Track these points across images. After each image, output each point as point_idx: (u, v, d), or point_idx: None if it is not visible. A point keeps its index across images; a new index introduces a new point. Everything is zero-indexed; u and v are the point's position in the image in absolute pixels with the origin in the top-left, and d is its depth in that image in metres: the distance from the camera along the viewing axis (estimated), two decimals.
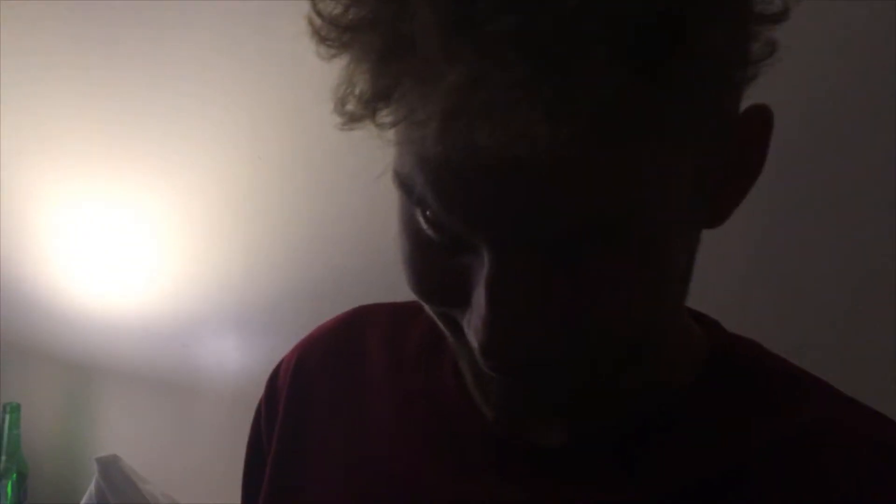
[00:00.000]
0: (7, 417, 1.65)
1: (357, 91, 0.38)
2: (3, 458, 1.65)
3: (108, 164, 1.71)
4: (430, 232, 0.41)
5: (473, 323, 0.39)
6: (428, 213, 0.40)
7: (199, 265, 1.67)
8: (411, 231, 0.42)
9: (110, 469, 1.44)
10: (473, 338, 0.40)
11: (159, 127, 1.66)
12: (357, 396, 0.56)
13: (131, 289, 1.72)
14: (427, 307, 0.45)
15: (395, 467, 0.52)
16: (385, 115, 0.37)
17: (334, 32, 0.38)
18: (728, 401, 0.47)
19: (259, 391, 0.63)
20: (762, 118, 0.42)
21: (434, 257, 0.41)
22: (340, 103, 0.39)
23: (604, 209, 0.36)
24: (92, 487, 1.48)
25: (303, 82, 1.60)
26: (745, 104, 0.43)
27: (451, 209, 0.38)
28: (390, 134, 0.39)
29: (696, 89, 0.36)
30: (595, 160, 0.35)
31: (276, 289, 1.61)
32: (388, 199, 1.48)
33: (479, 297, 0.39)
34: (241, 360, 1.65)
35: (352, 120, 0.39)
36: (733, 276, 1.16)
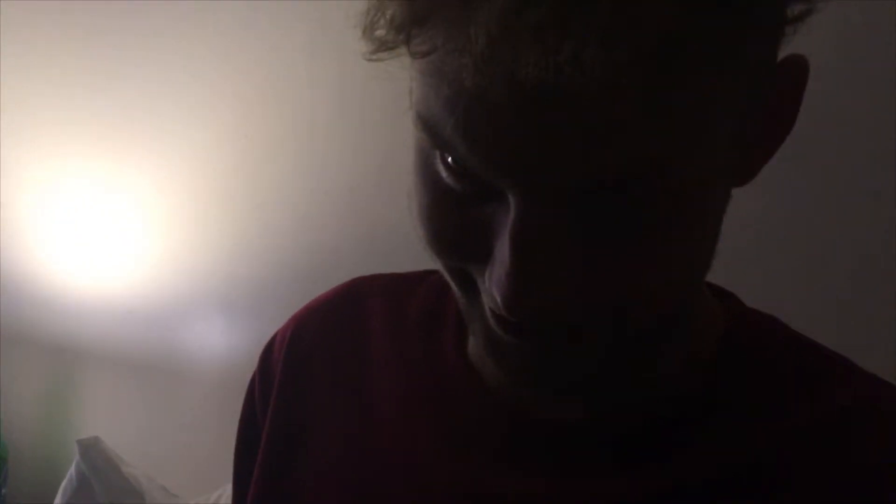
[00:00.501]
0: None
1: (389, 14, 0.34)
2: None
3: (91, 143, 1.69)
4: (450, 181, 0.38)
5: (496, 274, 0.36)
6: (450, 159, 0.37)
7: (184, 246, 1.66)
8: (429, 181, 0.39)
9: (91, 451, 1.43)
10: (495, 290, 0.36)
11: (143, 106, 1.64)
12: (357, 371, 0.54)
13: (115, 270, 1.70)
14: (440, 264, 0.42)
15: (396, 446, 0.50)
16: (419, 43, 0.34)
17: None
18: (757, 379, 0.45)
19: (245, 373, 0.61)
20: (800, 68, 0.40)
21: (453, 208, 0.38)
22: (370, 28, 0.35)
23: (652, 149, 0.33)
24: (72, 470, 1.46)
25: (290, 59, 1.59)
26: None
27: (481, 150, 0.35)
28: (412, 70, 0.37)
29: (752, 23, 0.34)
30: (650, 92, 0.32)
31: (263, 270, 1.60)
32: (378, 177, 1.46)
33: (503, 247, 0.36)
34: (226, 343, 1.64)
35: (382, 47, 0.35)
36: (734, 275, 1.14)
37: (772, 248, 1.19)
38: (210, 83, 1.60)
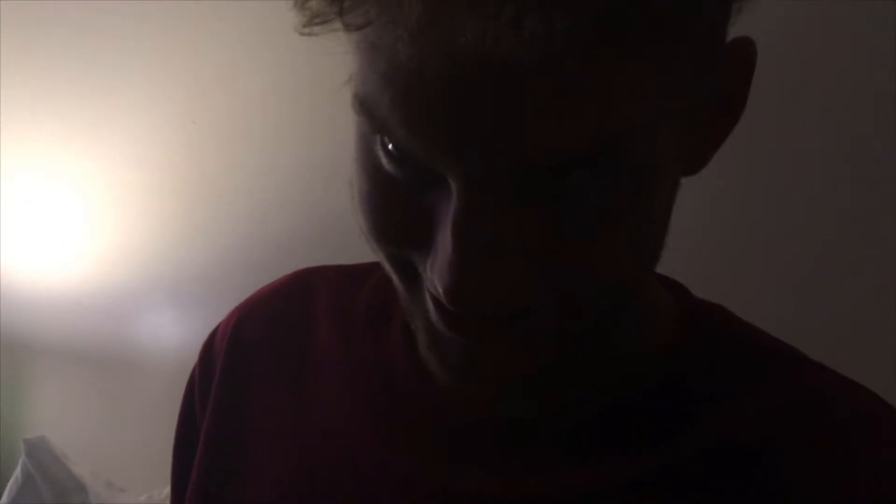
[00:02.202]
0: None
1: None
2: None
3: (32, 129, 1.64)
4: (390, 167, 0.37)
5: (438, 263, 0.35)
6: (390, 145, 0.36)
7: (133, 235, 1.63)
8: (370, 168, 0.38)
9: (37, 450, 1.40)
10: (437, 280, 0.35)
11: (88, 91, 1.60)
12: (302, 367, 0.52)
13: (61, 260, 1.66)
14: (381, 254, 0.40)
15: (341, 446, 0.49)
16: (354, 16, 0.33)
17: None
18: (711, 368, 0.44)
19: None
20: (747, 52, 0.39)
21: (394, 196, 0.37)
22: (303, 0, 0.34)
23: (597, 126, 0.32)
24: (18, 470, 1.44)
25: (238, 42, 1.56)
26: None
27: (419, 131, 0.33)
28: (351, 48, 0.35)
29: None
30: (592, 62, 0.31)
31: (214, 259, 1.58)
32: (330, 165, 1.44)
33: (445, 234, 0.34)
34: (178, 334, 1.62)
35: (314, 20, 0.33)
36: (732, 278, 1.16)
37: (765, 247, 1.20)
38: (156, 67, 1.56)
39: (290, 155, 1.51)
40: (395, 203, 0.37)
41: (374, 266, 0.53)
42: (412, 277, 0.39)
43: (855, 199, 1.15)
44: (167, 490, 1.52)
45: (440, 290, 0.35)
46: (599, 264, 0.36)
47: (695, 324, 0.46)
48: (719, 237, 1.18)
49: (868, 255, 1.15)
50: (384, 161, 0.37)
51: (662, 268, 0.42)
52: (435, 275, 0.35)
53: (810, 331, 1.14)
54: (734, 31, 0.38)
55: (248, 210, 1.56)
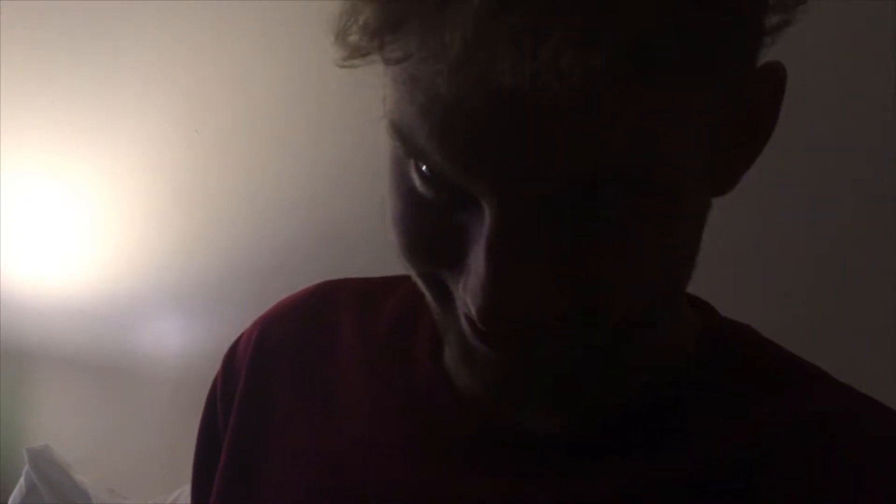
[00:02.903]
0: None
1: (362, 20, 0.34)
2: None
3: (37, 137, 1.64)
4: (424, 190, 0.38)
5: (471, 284, 0.36)
6: (425, 168, 0.37)
7: (137, 244, 1.63)
8: (404, 190, 0.38)
9: (41, 460, 1.41)
10: (470, 301, 0.36)
11: (93, 99, 1.60)
12: (326, 379, 0.53)
13: (66, 269, 1.66)
14: (414, 272, 0.41)
15: (365, 455, 0.49)
16: (393, 49, 0.33)
17: None
18: (730, 386, 0.45)
19: (200, 372, 0.60)
20: (777, 76, 0.40)
21: (428, 216, 0.38)
22: (343, 34, 0.34)
23: (629, 154, 0.33)
24: (22, 480, 1.44)
25: (242, 51, 1.56)
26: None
27: (456, 159, 0.34)
28: (385, 78, 0.36)
29: (730, 31, 0.34)
30: (626, 95, 0.32)
31: (218, 267, 1.58)
32: (334, 174, 1.44)
33: (478, 255, 0.35)
34: (182, 342, 1.62)
35: (355, 54, 0.34)
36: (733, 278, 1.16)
37: (774, 249, 1.20)
38: (161, 76, 1.57)
39: (293, 163, 1.52)
40: (428, 223, 0.38)
41: (399, 280, 0.54)
42: (444, 294, 0.40)
43: (854, 200, 1.15)
44: (171, 498, 1.52)
45: (473, 311, 0.36)
46: (627, 283, 0.37)
47: (715, 343, 0.46)
48: (721, 241, 1.18)
49: (867, 256, 1.15)
50: (418, 183, 0.38)
51: None
52: (468, 295, 0.36)
53: (810, 332, 1.15)
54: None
55: (251, 218, 1.56)
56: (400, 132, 0.36)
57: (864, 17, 1.09)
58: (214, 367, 0.58)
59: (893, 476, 0.41)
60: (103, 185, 1.62)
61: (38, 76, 1.62)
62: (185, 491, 1.42)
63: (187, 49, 1.54)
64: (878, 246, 1.15)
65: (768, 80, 0.40)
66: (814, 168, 1.16)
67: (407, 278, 0.48)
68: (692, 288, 0.45)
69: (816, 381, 0.46)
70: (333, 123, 1.43)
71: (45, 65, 1.62)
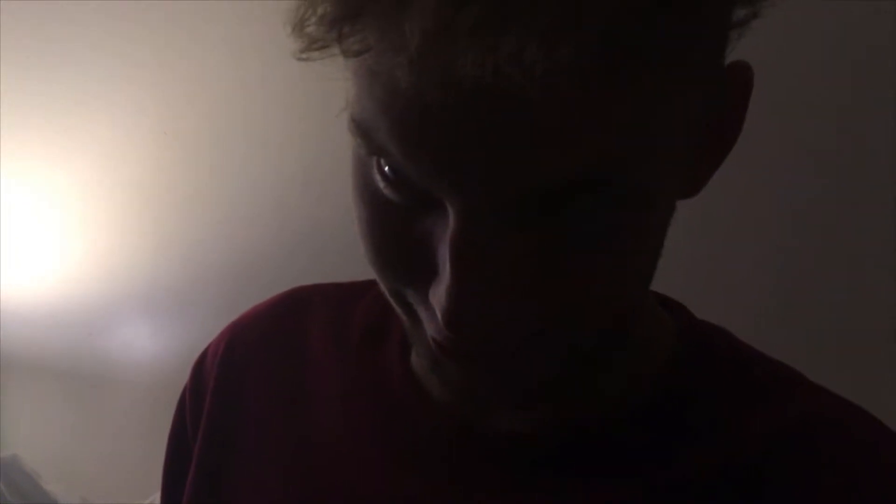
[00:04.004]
0: None
1: (320, 10, 0.32)
2: None
3: (5, 142, 1.62)
4: (388, 192, 0.36)
5: (437, 290, 0.35)
6: (387, 168, 0.36)
7: (105, 247, 1.61)
8: (367, 193, 0.37)
9: (9, 469, 1.39)
10: (436, 307, 0.35)
11: (59, 101, 1.58)
12: (298, 387, 0.52)
13: (33, 273, 1.64)
14: (384, 288, 0.40)
15: (338, 463, 0.48)
16: (352, 42, 0.32)
17: None
18: (706, 392, 0.44)
19: (170, 377, 0.59)
20: (744, 77, 0.39)
21: (392, 221, 0.37)
22: (300, 25, 0.33)
23: (596, 154, 0.32)
24: None
25: (210, 51, 1.55)
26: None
27: (417, 156, 0.33)
28: (346, 72, 0.35)
29: (697, 25, 0.33)
30: (592, 92, 0.31)
31: (187, 271, 1.56)
32: (303, 177, 1.43)
33: (444, 261, 0.34)
34: (152, 348, 1.60)
35: (312, 45, 0.33)
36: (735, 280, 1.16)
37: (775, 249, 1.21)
38: (127, 79, 1.55)
39: (262, 166, 1.51)
40: (392, 228, 0.37)
41: (369, 284, 0.53)
42: (413, 312, 0.39)
43: (853, 201, 1.16)
44: (147, 502, 1.50)
45: (438, 316, 0.35)
46: (598, 287, 0.36)
47: (693, 346, 0.46)
48: (710, 241, 1.19)
49: (867, 257, 1.16)
50: (381, 185, 0.36)
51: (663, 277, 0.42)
52: (434, 301, 0.35)
53: (807, 334, 1.16)
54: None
55: (221, 222, 1.55)
56: (361, 128, 0.35)
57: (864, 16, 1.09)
58: (185, 371, 0.58)
59: (883, 477, 0.41)
60: (71, 189, 1.61)
61: (3, 79, 1.60)
62: (156, 498, 1.41)
63: (155, 52, 1.53)
64: (871, 245, 1.15)
65: (736, 79, 0.39)
66: (804, 168, 1.17)
67: (376, 283, 0.48)
68: (684, 288, 0.44)
69: (796, 386, 0.45)
70: (305, 127, 1.43)
71: (10, 67, 1.59)
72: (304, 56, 0.34)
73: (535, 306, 0.36)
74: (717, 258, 1.22)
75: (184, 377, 0.57)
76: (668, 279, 0.42)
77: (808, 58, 1.12)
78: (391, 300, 0.40)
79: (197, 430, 0.54)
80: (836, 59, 1.12)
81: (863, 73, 1.12)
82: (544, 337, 0.37)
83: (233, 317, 0.58)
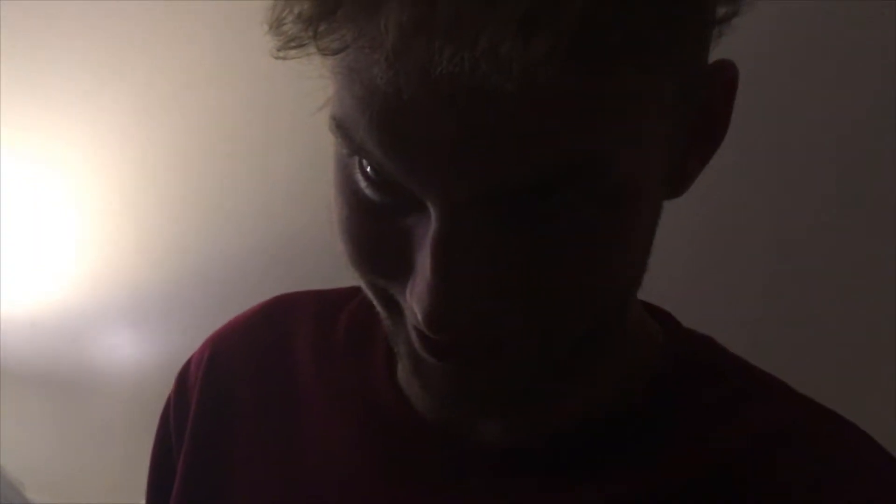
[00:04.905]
0: None
1: (297, 9, 0.32)
2: None
3: None
4: (369, 191, 0.36)
5: (417, 289, 0.34)
6: (368, 167, 0.36)
7: (88, 254, 1.60)
8: (348, 193, 0.37)
9: None
10: (416, 306, 0.35)
11: (44, 107, 1.57)
12: (283, 396, 0.52)
13: (14, 279, 1.62)
14: (363, 282, 0.40)
15: (325, 474, 0.48)
16: (329, 40, 0.32)
17: None
18: (691, 400, 0.45)
19: (154, 385, 0.59)
20: (729, 74, 0.39)
21: (374, 221, 0.37)
22: (277, 23, 0.33)
23: (578, 149, 0.32)
24: None
25: (194, 60, 1.54)
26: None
27: (396, 154, 0.33)
28: (328, 71, 0.35)
29: (678, 20, 0.33)
30: (572, 86, 0.31)
31: (171, 277, 1.55)
32: (289, 182, 1.42)
33: (424, 259, 0.34)
34: (134, 355, 1.59)
35: (289, 44, 0.33)
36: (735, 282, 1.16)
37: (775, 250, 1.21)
38: (111, 84, 1.54)
39: (246, 173, 1.50)
40: (373, 228, 0.37)
41: (352, 291, 0.53)
42: (393, 305, 0.39)
43: (853, 201, 1.16)
44: None
45: (419, 315, 0.35)
46: (581, 287, 0.36)
47: (677, 354, 0.46)
48: (708, 243, 1.19)
49: (866, 258, 1.16)
50: (362, 185, 0.36)
51: (659, 277, 0.42)
52: (413, 299, 0.35)
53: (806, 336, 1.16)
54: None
55: (204, 229, 1.54)
56: (340, 127, 0.35)
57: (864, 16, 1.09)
58: (168, 379, 0.57)
59: (855, 489, 0.40)
60: (54, 195, 1.59)
61: None
62: None
63: (139, 55, 1.52)
64: (871, 245, 1.16)
65: (720, 77, 0.39)
66: (801, 167, 1.17)
67: (359, 290, 0.47)
68: (676, 293, 0.44)
69: (774, 395, 0.45)
70: (289, 132, 1.42)
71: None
72: (280, 55, 0.34)
73: (516, 304, 0.35)
74: (713, 260, 1.22)
75: (168, 384, 0.57)
76: (663, 282, 0.42)
77: (808, 58, 1.12)
78: (371, 296, 0.40)
79: (181, 442, 0.54)
80: (837, 58, 1.12)
81: (863, 74, 1.12)
82: (524, 336, 0.37)
83: (216, 323, 0.58)
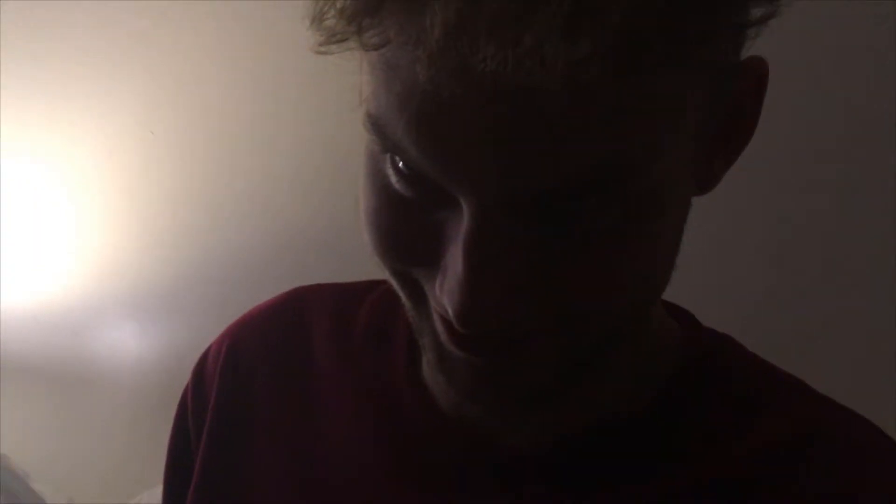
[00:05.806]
0: None
1: (340, 4, 0.32)
2: None
3: None
4: (400, 187, 0.36)
5: (448, 284, 0.35)
6: (401, 164, 0.35)
7: (91, 247, 1.60)
8: (378, 186, 0.37)
9: None
10: (447, 301, 0.35)
11: (44, 100, 1.57)
12: (302, 390, 0.51)
13: (17, 273, 1.63)
14: (387, 271, 0.40)
15: (344, 471, 0.48)
16: (371, 35, 0.32)
17: None
18: (709, 401, 0.45)
19: (160, 380, 0.59)
20: (759, 72, 0.39)
21: (403, 214, 0.37)
22: (319, 18, 0.33)
23: (612, 151, 0.32)
24: None
25: (197, 51, 1.55)
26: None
27: (433, 152, 0.33)
28: (362, 65, 0.35)
29: (716, 22, 0.33)
30: (611, 87, 0.31)
31: (173, 271, 1.56)
32: (291, 176, 1.43)
33: (456, 255, 0.34)
34: (137, 348, 1.60)
35: (331, 39, 0.33)
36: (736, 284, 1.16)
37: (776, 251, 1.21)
38: (114, 77, 1.54)
39: (249, 167, 1.50)
40: (403, 221, 0.37)
41: (371, 285, 0.53)
42: (418, 294, 0.39)
43: (853, 201, 1.16)
44: (133, 502, 1.50)
45: (449, 311, 0.35)
46: (609, 288, 0.36)
47: (695, 356, 0.46)
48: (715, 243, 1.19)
49: (865, 259, 1.17)
50: (393, 179, 0.37)
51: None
52: (444, 295, 0.35)
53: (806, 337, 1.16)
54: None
55: (207, 223, 1.54)
56: (376, 124, 0.35)
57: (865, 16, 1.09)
58: (172, 372, 0.57)
59: (879, 490, 0.41)
60: (56, 189, 1.59)
61: None
62: (143, 499, 1.41)
63: (142, 50, 1.52)
64: (873, 246, 1.16)
65: (751, 74, 0.39)
66: (808, 167, 1.17)
67: (379, 283, 0.47)
68: (681, 291, 0.44)
69: (796, 396, 0.45)
70: (293, 128, 1.42)
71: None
72: (322, 49, 0.34)
73: (545, 302, 0.36)
74: (717, 259, 1.23)
75: (171, 378, 0.57)
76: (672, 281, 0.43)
77: (807, 58, 1.12)
78: (395, 284, 0.40)
79: (200, 434, 0.53)
80: (837, 59, 1.12)
81: (864, 73, 1.12)
82: (550, 333, 0.37)
83: (220, 318, 0.58)
